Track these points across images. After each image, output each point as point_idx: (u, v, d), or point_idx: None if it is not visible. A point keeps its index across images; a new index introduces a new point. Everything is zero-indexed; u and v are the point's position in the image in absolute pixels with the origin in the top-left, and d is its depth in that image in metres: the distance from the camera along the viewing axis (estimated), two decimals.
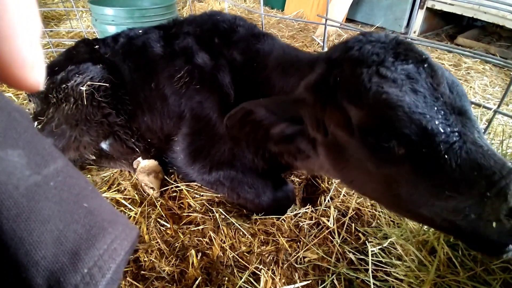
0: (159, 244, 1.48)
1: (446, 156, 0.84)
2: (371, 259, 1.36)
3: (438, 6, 3.94)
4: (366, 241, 1.47)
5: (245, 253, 1.44)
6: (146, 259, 1.42)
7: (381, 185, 0.98)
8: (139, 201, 1.73)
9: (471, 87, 2.91)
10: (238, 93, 1.54)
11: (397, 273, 1.31)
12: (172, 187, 1.81)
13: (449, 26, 4.52)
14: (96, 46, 1.95)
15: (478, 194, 0.80)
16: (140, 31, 1.91)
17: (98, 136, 1.77)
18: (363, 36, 1.06)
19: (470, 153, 0.83)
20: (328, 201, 1.69)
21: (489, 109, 1.77)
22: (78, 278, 0.44)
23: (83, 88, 1.68)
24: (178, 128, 1.68)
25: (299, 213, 1.63)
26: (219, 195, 1.76)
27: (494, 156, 0.83)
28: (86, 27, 3.66)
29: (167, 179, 1.87)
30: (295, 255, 1.43)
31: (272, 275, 1.34)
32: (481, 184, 0.80)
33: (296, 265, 1.40)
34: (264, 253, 1.44)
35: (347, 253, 1.43)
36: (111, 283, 0.47)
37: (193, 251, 1.43)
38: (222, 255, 1.43)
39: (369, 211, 1.64)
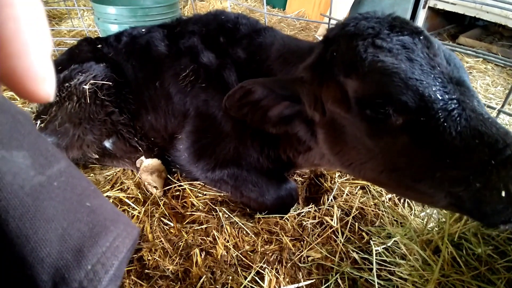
0: (163, 243, 1.48)
1: (445, 124, 0.82)
2: (375, 258, 1.36)
3: (440, 6, 3.93)
4: (370, 240, 1.47)
5: (248, 252, 1.45)
6: (150, 258, 1.42)
7: (380, 161, 0.96)
8: (142, 200, 1.73)
9: (473, 86, 2.90)
10: None
11: (401, 273, 1.31)
12: (175, 186, 1.81)
13: (451, 25, 4.52)
14: (99, 45, 1.95)
15: (481, 162, 0.78)
16: (144, 30, 1.91)
17: (101, 135, 1.77)
18: (359, 14, 1.08)
19: (470, 120, 0.82)
20: (332, 200, 1.69)
21: (493, 108, 1.77)
22: (82, 274, 0.45)
23: (86, 87, 1.68)
24: (183, 127, 1.68)
25: (303, 212, 1.63)
26: (222, 194, 1.76)
27: (496, 124, 0.81)
28: (88, 26, 3.66)
29: (170, 178, 1.87)
30: (298, 254, 1.43)
31: (276, 274, 1.34)
32: (484, 151, 0.78)
33: (300, 264, 1.40)
34: (267, 252, 1.44)
35: (351, 252, 1.43)
36: (114, 279, 0.49)
37: (197, 250, 1.43)
38: (225, 254, 1.43)
39: (373, 211, 1.64)
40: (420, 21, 4.05)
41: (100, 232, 0.49)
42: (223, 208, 1.65)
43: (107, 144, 1.88)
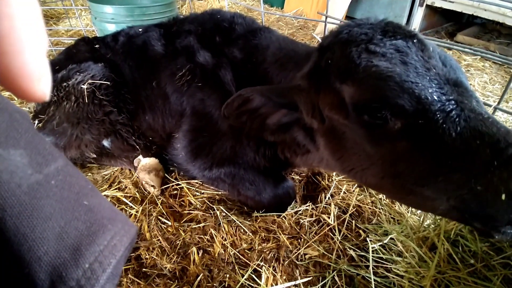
0: (161, 242, 1.48)
1: (444, 126, 0.81)
2: (372, 256, 1.37)
3: (438, 4, 3.93)
4: (367, 238, 1.47)
5: (246, 250, 1.45)
6: (147, 256, 1.42)
7: (381, 167, 0.95)
8: (140, 199, 1.74)
9: (471, 84, 2.90)
10: (239, 90, 1.54)
11: (398, 270, 1.32)
12: (172, 185, 1.81)
13: (449, 23, 4.52)
14: (96, 45, 1.95)
15: (483, 163, 0.76)
16: (140, 30, 1.91)
17: (99, 134, 1.78)
18: (352, 21, 1.08)
19: (469, 121, 0.80)
20: (329, 198, 1.70)
21: (489, 106, 1.78)
22: (80, 273, 0.45)
23: (84, 87, 1.68)
24: (180, 126, 1.68)
25: (300, 210, 1.64)
26: (220, 193, 1.77)
27: (497, 123, 0.79)
28: (85, 26, 3.66)
29: (168, 177, 1.87)
30: (296, 252, 1.44)
31: (273, 272, 1.35)
32: (485, 152, 0.76)
33: (297, 262, 1.40)
34: (265, 250, 1.44)
35: (348, 249, 1.44)
36: (112, 278, 0.48)
37: (194, 249, 1.43)
38: (223, 252, 1.44)
39: (370, 208, 1.65)
40: (417, 19, 4.06)
41: (97, 230, 0.49)
42: (220, 207, 1.66)
43: (106, 143, 1.89)
